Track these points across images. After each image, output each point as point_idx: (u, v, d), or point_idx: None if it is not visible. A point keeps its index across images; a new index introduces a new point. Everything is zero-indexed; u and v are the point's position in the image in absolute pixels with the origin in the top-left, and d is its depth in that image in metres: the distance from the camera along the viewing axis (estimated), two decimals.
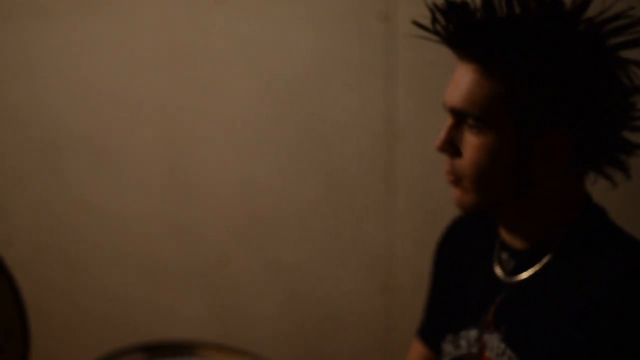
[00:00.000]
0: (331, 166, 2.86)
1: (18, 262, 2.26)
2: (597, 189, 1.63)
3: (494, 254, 1.67)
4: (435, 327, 1.82)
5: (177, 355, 2.09)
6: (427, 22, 1.58)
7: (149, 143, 3.00)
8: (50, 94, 3.04)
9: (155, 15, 2.94)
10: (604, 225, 1.61)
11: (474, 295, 1.69)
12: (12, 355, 1.96)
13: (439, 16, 1.56)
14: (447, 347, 1.73)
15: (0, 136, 3.10)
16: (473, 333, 1.67)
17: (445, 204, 2.69)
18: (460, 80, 1.56)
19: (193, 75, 2.93)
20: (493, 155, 1.54)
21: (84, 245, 3.10)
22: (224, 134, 2.94)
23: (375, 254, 2.85)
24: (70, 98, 3.03)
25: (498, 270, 1.65)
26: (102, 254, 3.09)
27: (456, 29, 1.55)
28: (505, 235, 1.64)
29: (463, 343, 1.69)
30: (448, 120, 1.58)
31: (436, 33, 1.57)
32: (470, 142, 1.55)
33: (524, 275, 1.61)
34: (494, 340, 1.62)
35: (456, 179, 1.59)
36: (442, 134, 1.58)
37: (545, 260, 1.59)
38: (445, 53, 1.63)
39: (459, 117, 1.57)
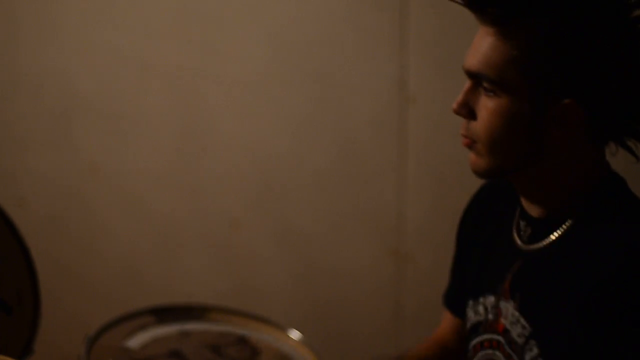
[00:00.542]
0: (343, 131, 2.85)
1: (30, 226, 2.26)
2: (619, 163, 1.61)
3: (514, 222, 1.67)
4: (459, 293, 1.83)
5: (187, 319, 2.10)
6: None
7: (160, 107, 2.99)
8: (61, 59, 3.04)
9: None
10: (622, 195, 1.59)
11: (494, 262, 1.69)
12: (23, 319, 1.96)
13: None
14: (469, 313, 1.74)
15: (11, 101, 3.10)
16: (490, 300, 1.67)
17: (457, 169, 2.70)
18: (479, 44, 1.55)
19: (205, 40, 2.92)
20: (507, 120, 1.54)
21: (95, 210, 3.10)
22: (235, 98, 2.93)
23: (387, 219, 2.85)
24: (81, 63, 3.02)
25: (516, 238, 1.65)
26: (113, 218, 3.10)
27: None
28: (524, 203, 1.64)
29: (481, 309, 1.70)
30: (467, 83, 1.58)
31: None
32: (485, 105, 1.55)
33: (541, 244, 1.60)
34: (508, 308, 1.62)
35: (471, 142, 1.59)
36: (459, 97, 1.58)
37: (562, 229, 1.58)
38: (457, 18, 1.62)
39: (476, 80, 1.56)
